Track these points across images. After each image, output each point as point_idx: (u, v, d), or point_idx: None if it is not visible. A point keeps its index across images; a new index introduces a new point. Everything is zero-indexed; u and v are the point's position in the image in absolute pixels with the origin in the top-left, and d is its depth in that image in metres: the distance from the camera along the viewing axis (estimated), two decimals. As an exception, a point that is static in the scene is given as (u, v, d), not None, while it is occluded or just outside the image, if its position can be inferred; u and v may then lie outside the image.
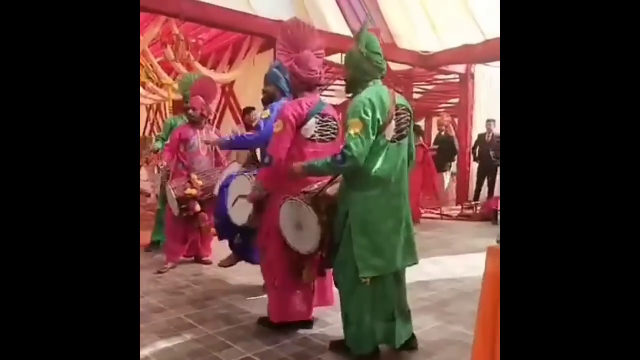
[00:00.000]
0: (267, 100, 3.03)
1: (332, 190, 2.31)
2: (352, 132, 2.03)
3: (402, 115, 2.19)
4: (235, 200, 2.81)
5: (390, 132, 2.13)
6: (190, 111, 4.05)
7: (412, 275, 2.36)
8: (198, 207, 3.83)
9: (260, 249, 2.67)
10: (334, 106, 2.78)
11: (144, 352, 2.35)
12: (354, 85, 2.22)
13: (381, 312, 2.21)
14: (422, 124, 10.52)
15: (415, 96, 9.98)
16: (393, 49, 7.26)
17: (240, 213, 2.76)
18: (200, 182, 3.82)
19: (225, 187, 3.07)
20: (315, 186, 2.39)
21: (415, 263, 2.30)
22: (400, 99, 2.22)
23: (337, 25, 7.55)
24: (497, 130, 7.60)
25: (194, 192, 3.80)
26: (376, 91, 2.13)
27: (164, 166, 4.11)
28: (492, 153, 7.51)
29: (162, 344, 2.46)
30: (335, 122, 2.58)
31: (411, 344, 2.34)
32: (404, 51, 7.59)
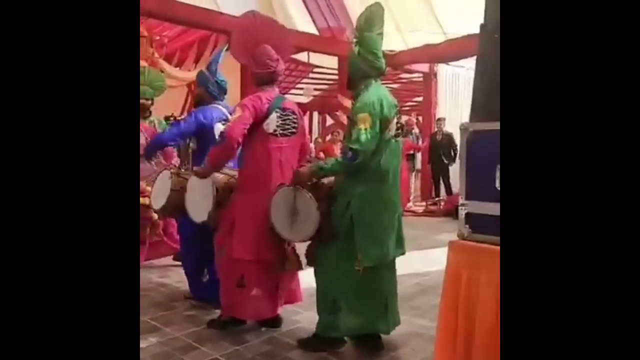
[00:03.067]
0: (198, 102, 3.05)
1: (327, 180, 2.36)
2: (362, 126, 2.13)
3: (397, 115, 2.32)
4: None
5: (393, 128, 2.26)
6: None
7: (378, 270, 2.42)
8: (155, 215, 3.73)
9: (218, 247, 2.61)
10: (301, 104, 2.80)
11: (107, 357, 2.30)
12: (353, 83, 2.34)
13: (374, 300, 2.30)
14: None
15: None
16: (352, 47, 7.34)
17: (198, 209, 2.66)
18: (149, 189, 3.59)
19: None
20: None
21: (403, 253, 2.42)
22: (394, 99, 2.34)
23: (303, 23, 7.57)
24: (447, 128, 7.70)
25: (146, 201, 3.58)
26: (381, 89, 2.28)
27: None
28: (441, 151, 7.60)
29: (127, 348, 2.41)
30: (295, 116, 2.59)
31: (378, 343, 2.39)
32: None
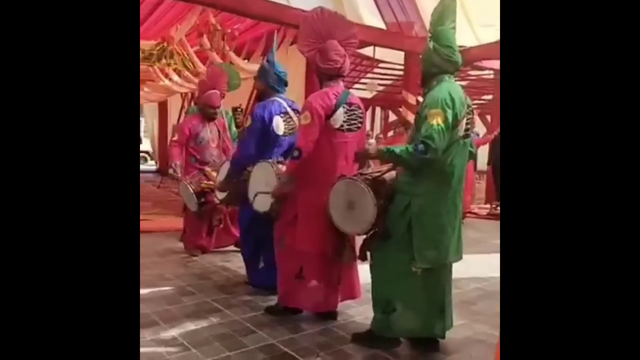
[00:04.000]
0: (260, 97, 3.06)
1: (388, 176, 2.32)
2: (434, 122, 2.03)
3: (469, 115, 2.21)
4: (255, 195, 2.77)
5: (462, 128, 2.16)
6: (210, 109, 4.08)
7: (437, 272, 2.37)
8: (217, 199, 3.88)
9: (278, 238, 2.68)
10: (365, 100, 2.79)
11: (171, 333, 2.45)
12: (426, 79, 2.26)
13: (431, 303, 2.26)
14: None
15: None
16: (427, 43, 7.16)
17: (261, 200, 2.74)
18: (214, 174, 3.81)
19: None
20: (370, 170, 2.43)
21: (460, 259, 2.35)
22: (468, 99, 2.24)
23: (370, 17, 7.48)
24: None
25: (210, 183, 3.82)
26: (453, 86, 2.18)
27: (175, 164, 4.06)
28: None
29: (190, 326, 2.55)
30: (360, 111, 2.59)
31: (434, 345, 2.36)
32: (438, 45, 7.47)
